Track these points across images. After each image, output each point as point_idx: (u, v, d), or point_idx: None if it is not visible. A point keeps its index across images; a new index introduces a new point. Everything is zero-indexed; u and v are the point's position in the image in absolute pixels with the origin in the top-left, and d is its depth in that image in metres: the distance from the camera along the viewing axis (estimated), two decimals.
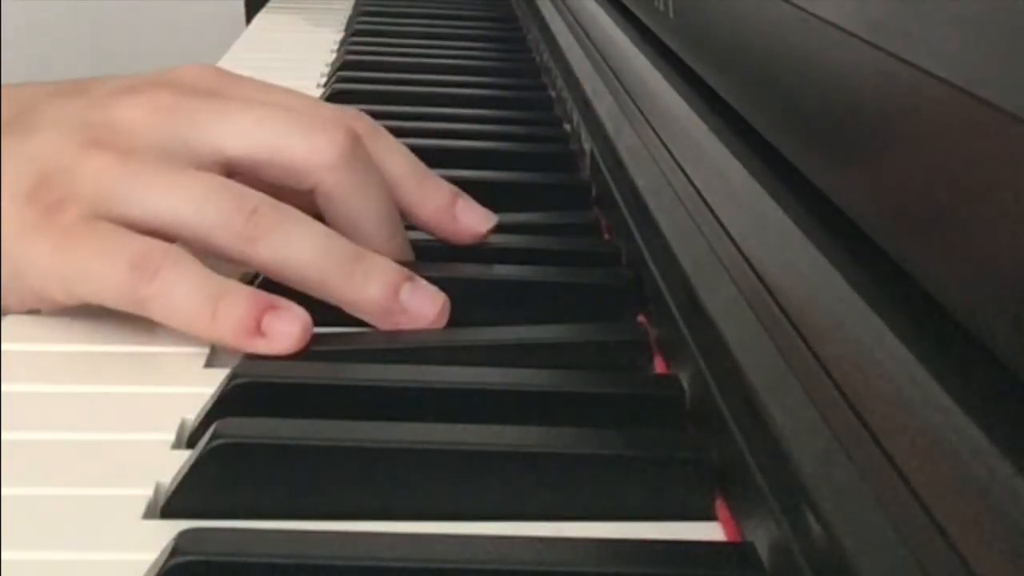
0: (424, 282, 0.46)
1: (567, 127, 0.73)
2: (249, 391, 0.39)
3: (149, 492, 0.35)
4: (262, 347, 0.43)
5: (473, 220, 0.52)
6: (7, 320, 0.46)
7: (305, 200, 0.48)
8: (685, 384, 0.41)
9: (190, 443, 0.38)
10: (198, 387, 0.41)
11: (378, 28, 1.02)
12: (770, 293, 0.36)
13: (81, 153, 0.45)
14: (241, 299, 0.43)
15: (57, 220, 0.44)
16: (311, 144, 0.48)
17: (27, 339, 0.45)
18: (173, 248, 0.44)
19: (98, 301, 0.44)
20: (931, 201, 0.28)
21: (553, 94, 0.81)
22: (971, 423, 0.25)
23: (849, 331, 0.31)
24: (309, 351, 0.43)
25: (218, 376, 0.41)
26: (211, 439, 0.35)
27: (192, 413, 0.40)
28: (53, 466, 0.37)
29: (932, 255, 0.28)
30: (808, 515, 0.29)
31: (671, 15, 0.56)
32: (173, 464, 0.36)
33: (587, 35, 0.78)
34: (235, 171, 0.48)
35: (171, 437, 0.39)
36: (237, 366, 0.41)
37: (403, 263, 0.47)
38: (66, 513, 0.34)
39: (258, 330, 0.43)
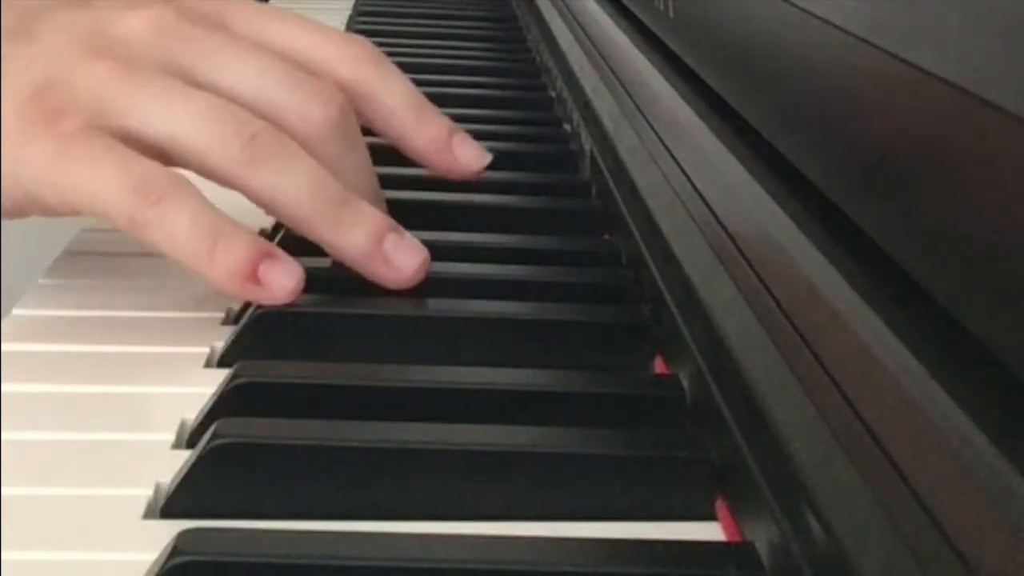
0: (408, 235, 0.46)
1: (567, 127, 0.73)
2: (249, 391, 0.39)
3: (149, 492, 0.35)
4: (254, 294, 0.43)
5: (468, 155, 0.52)
6: (7, 320, 0.46)
7: None
8: (685, 384, 0.41)
9: (190, 443, 0.38)
10: (198, 387, 0.41)
11: (378, 28, 1.02)
12: (770, 293, 0.36)
13: (83, 62, 0.45)
14: (242, 241, 0.43)
15: (57, 127, 0.44)
16: (303, 112, 0.47)
17: (27, 339, 0.45)
18: (180, 176, 0.43)
19: (91, 213, 0.44)
20: (931, 201, 0.28)
21: (553, 94, 0.81)
22: (971, 423, 0.25)
23: (849, 331, 0.31)
24: (305, 310, 0.43)
25: (218, 376, 0.41)
26: (211, 439, 0.35)
27: (192, 413, 0.40)
28: (53, 466, 0.37)
29: (932, 255, 0.28)
30: (808, 515, 0.29)
31: (671, 15, 0.56)
32: (173, 464, 0.36)
33: (587, 35, 0.78)
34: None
35: (171, 437, 0.39)
36: (237, 366, 0.41)
37: None
38: (66, 513, 0.34)
39: (254, 276, 0.43)
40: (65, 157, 0.43)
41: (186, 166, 0.45)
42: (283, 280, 0.43)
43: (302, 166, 0.45)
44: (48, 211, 0.45)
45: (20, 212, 0.46)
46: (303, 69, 0.49)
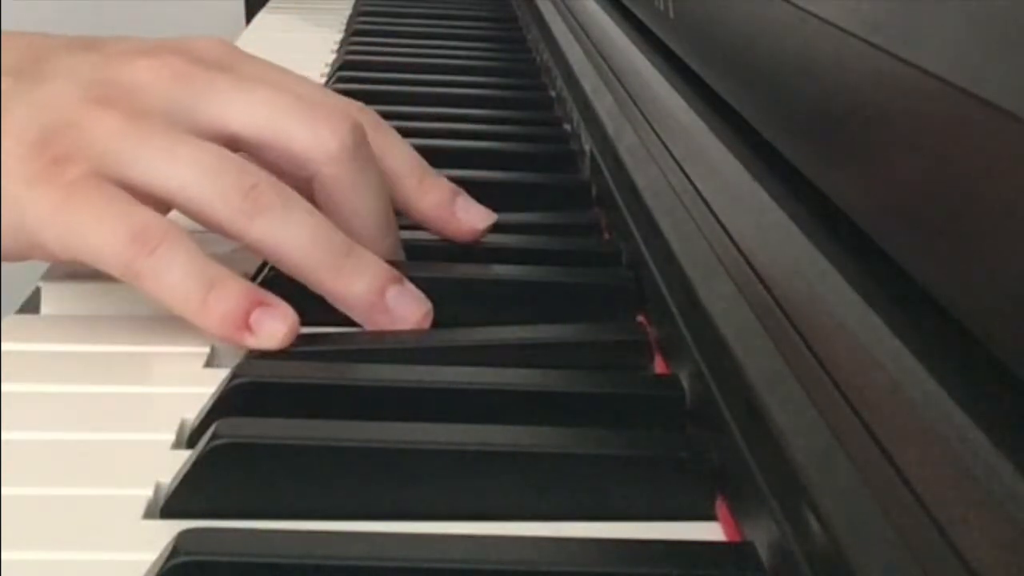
0: (411, 286, 0.46)
1: (567, 127, 0.73)
2: (249, 391, 0.39)
3: (149, 492, 0.35)
4: (248, 341, 0.43)
5: (472, 217, 0.52)
6: (7, 320, 0.46)
7: (304, 189, 0.48)
8: (685, 384, 0.41)
9: (190, 443, 0.38)
10: (198, 387, 0.41)
11: (378, 28, 1.02)
12: (770, 293, 0.36)
13: (90, 109, 0.45)
14: (233, 291, 0.43)
15: (61, 174, 0.44)
16: (315, 133, 0.47)
17: (27, 339, 0.45)
18: (175, 226, 0.44)
19: (91, 262, 0.44)
20: (931, 201, 0.28)
21: (553, 94, 0.81)
22: (971, 423, 0.25)
23: (849, 331, 0.31)
24: (300, 350, 0.43)
25: (218, 376, 0.41)
26: (211, 439, 0.35)
27: (192, 413, 0.40)
28: (53, 466, 0.37)
29: (932, 255, 0.28)
30: (808, 515, 0.29)
31: (671, 15, 0.56)
32: (173, 464, 0.36)
33: (587, 35, 0.78)
34: (237, 148, 0.47)
35: (171, 437, 0.39)
36: (237, 366, 0.41)
37: (393, 263, 0.47)
38: (66, 513, 0.34)
39: (246, 324, 0.43)
40: (67, 204, 0.44)
41: (189, 216, 0.46)
42: (275, 326, 0.43)
43: (303, 215, 0.45)
44: (49, 256, 0.46)
45: (23, 256, 0.46)
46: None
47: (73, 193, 0.44)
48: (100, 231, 0.43)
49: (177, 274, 0.43)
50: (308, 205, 0.46)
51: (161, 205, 0.45)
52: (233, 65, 0.50)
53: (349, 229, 0.47)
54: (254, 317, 0.43)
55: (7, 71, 0.47)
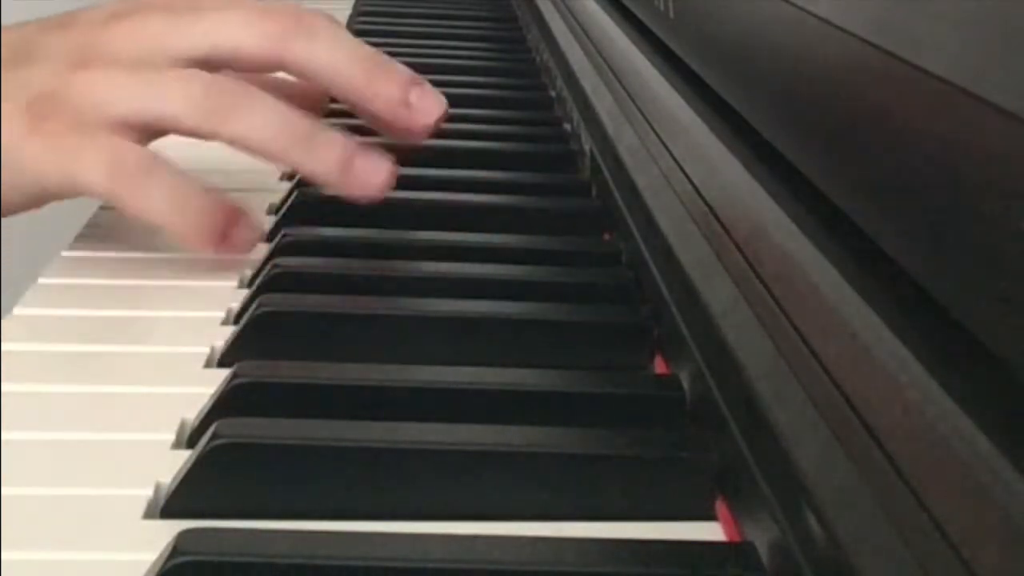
0: (373, 152, 0.52)
1: (567, 127, 0.73)
2: (249, 391, 0.39)
3: (149, 492, 0.35)
4: (224, 249, 0.50)
5: (426, 110, 0.54)
6: (7, 320, 0.46)
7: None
8: (685, 384, 0.41)
9: (190, 443, 0.38)
10: (198, 387, 0.41)
11: (378, 28, 1.02)
12: (770, 293, 0.36)
13: (67, 75, 0.51)
14: (210, 205, 0.50)
15: (50, 124, 0.50)
16: (259, 31, 0.52)
17: (27, 339, 0.45)
18: (148, 151, 0.50)
19: (86, 194, 0.50)
20: (931, 201, 0.28)
21: (553, 94, 0.81)
22: (971, 423, 0.25)
23: (849, 331, 0.31)
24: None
25: (218, 376, 0.41)
26: (211, 439, 0.35)
27: (192, 413, 0.40)
28: (53, 466, 0.37)
29: (932, 254, 0.28)
30: (808, 515, 0.29)
31: (671, 15, 0.56)
32: (173, 464, 0.36)
33: (587, 35, 0.78)
34: (214, 70, 0.52)
35: (171, 437, 0.39)
36: (237, 366, 0.41)
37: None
38: (66, 513, 0.34)
39: (223, 237, 0.50)
40: (57, 146, 0.50)
41: (173, 131, 0.51)
42: (247, 233, 0.51)
43: (267, 106, 0.51)
44: (56, 196, 0.51)
45: (40, 203, 0.52)
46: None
47: (60, 139, 0.50)
48: (83, 165, 0.49)
49: (156, 193, 0.49)
50: (269, 98, 0.51)
51: (148, 133, 0.51)
52: (193, 3, 0.55)
53: (338, 84, 0.53)
54: (231, 235, 0.50)
55: (6, 61, 0.52)
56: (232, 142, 0.51)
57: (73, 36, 0.53)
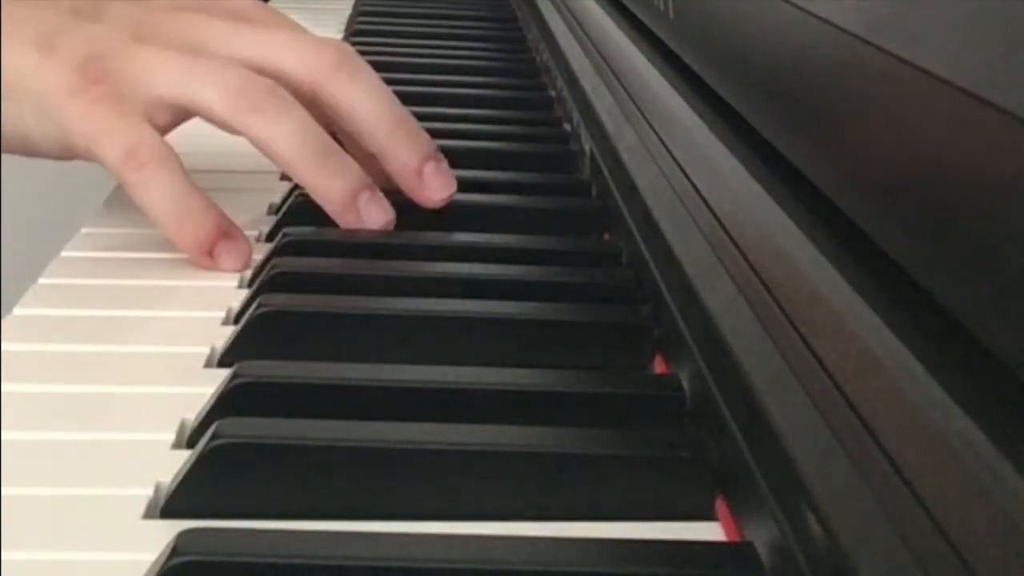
0: (380, 195, 0.54)
1: (567, 127, 0.73)
2: (249, 391, 0.39)
3: (149, 492, 0.35)
4: (207, 265, 0.52)
5: (432, 188, 0.56)
6: (7, 320, 0.46)
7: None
8: (685, 384, 0.41)
9: (190, 443, 0.38)
10: (198, 387, 0.41)
11: (378, 28, 1.02)
12: (770, 293, 0.36)
13: (127, 44, 0.54)
14: (206, 220, 0.52)
15: (94, 89, 0.53)
16: (304, 58, 0.55)
17: (27, 339, 0.45)
18: (166, 150, 0.52)
19: (99, 163, 0.52)
20: (931, 201, 0.28)
21: (553, 94, 0.81)
22: (971, 423, 0.25)
23: (849, 331, 0.31)
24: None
25: (218, 376, 0.41)
26: (211, 439, 0.35)
27: (192, 413, 0.40)
28: (53, 466, 0.37)
29: (932, 255, 0.28)
30: (808, 515, 0.29)
31: (671, 15, 0.56)
32: (173, 464, 0.36)
33: (587, 35, 0.78)
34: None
35: (171, 437, 0.39)
36: (237, 366, 0.41)
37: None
38: (66, 513, 0.34)
39: (211, 251, 0.52)
40: (90, 114, 0.52)
41: (203, 118, 0.54)
42: (232, 260, 0.52)
43: (294, 117, 0.53)
44: (79, 156, 0.54)
45: (62, 154, 0.54)
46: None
47: (98, 105, 0.52)
48: (105, 141, 0.52)
49: (158, 193, 0.51)
50: (303, 111, 0.53)
51: (181, 113, 0.54)
52: (252, 18, 0.59)
53: (363, 132, 0.55)
54: (218, 247, 0.52)
55: (68, 9, 0.56)
56: (254, 140, 0.53)
57: (140, 11, 0.57)
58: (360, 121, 0.55)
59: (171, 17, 0.57)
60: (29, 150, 0.55)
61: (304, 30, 0.60)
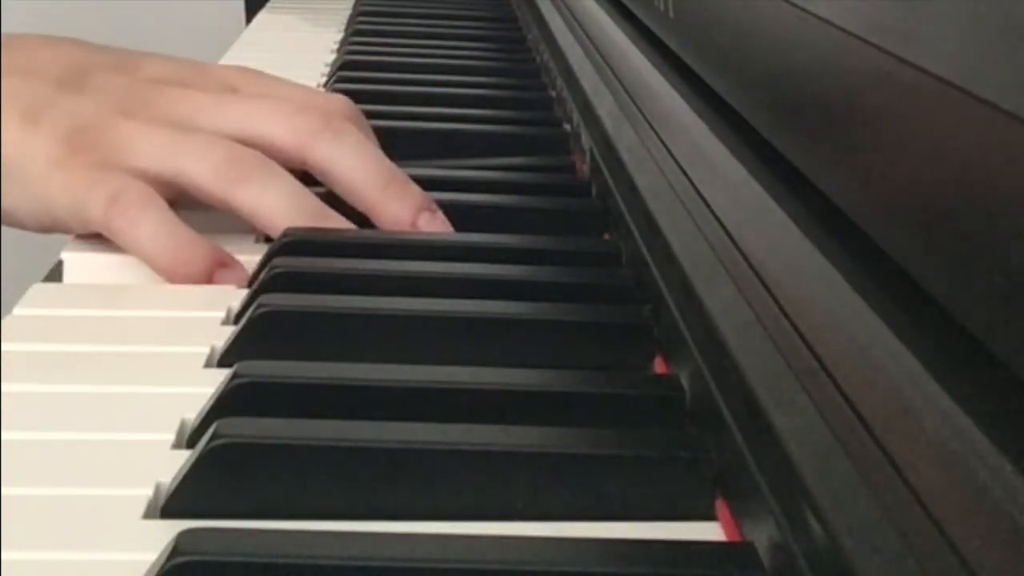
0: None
1: (567, 127, 0.73)
2: (249, 391, 0.39)
3: (149, 492, 0.35)
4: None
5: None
6: (7, 320, 0.46)
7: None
8: (685, 384, 0.41)
9: (190, 443, 0.38)
10: (198, 387, 0.41)
11: (378, 28, 1.02)
12: (770, 293, 0.36)
13: (112, 117, 0.54)
14: (198, 254, 0.51)
15: (79, 160, 0.53)
16: (290, 127, 0.55)
17: (27, 339, 0.45)
18: (147, 190, 0.52)
19: (91, 229, 0.52)
20: (931, 201, 0.28)
21: (553, 94, 0.81)
22: (971, 423, 0.25)
23: (849, 331, 0.31)
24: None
25: (218, 376, 0.41)
26: (211, 439, 0.35)
27: (192, 413, 0.40)
28: (53, 466, 0.37)
29: (932, 255, 0.28)
30: (808, 515, 0.29)
31: (671, 15, 0.56)
32: (173, 464, 0.36)
33: (587, 35, 0.78)
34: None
35: (171, 437, 0.39)
36: (237, 366, 0.41)
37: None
38: (66, 513, 0.34)
39: (209, 282, 0.51)
40: (76, 179, 0.52)
41: (191, 193, 0.54)
42: (230, 283, 0.51)
43: (282, 183, 0.53)
44: (68, 229, 0.53)
45: (49, 228, 0.54)
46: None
47: (83, 173, 0.52)
48: (89, 197, 0.52)
49: (146, 232, 0.51)
50: (288, 175, 0.54)
51: (170, 189, 0.53)
52: (238, 85, 0.59)
53: (353, 191, 0.55)
54: (216, 277, 0.51)
55: (54, 81, 0.56)
56: (243, 211, 0.53)
57: (126, 83, 0.57)
58: (348, 180, 0.55)
59: (156, 90, 0.57)
60: (12, 222, 0.55)
61: (291, 89, 0.60)
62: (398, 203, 0.55)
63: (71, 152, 0.53)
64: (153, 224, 0.51)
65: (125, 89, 0.57)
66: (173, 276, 0.51)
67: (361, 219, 0.55)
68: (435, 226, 0.55)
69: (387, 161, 0.56)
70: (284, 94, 0.59)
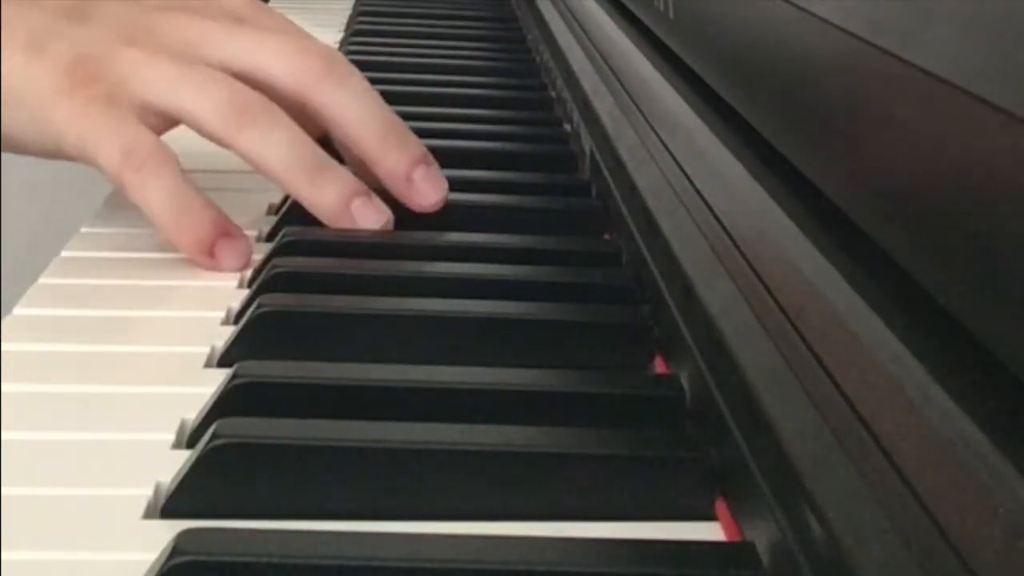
0: (376, 198, 0.54)
1: (567, 127, 0.73)
2: (249, 391, 0.39)
3: (149, 492, 0.35)
4: (208, 265, 0.52)
5: (422, 192, 0.56)
6: (7, 320, 0.46)
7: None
8: (685, 384, 0.41)
9: (190, 443, 0.38)
10: (198, 387, 0.41)
11: (378, 28, 1.02)
12: (770, 293, 0.36)
13: (117, 46, 0.54)
14: (204, 219, 0.52)
15: (84, 91, 0.53)
16: (292, 67, 0.55)
17: (27, 339, 0.45)
18: (163, 149, 0.52)
19: (94, 166, 0.52)
20: (931, 201, 0.28)
21: (553, 94, 0.81)
22: (971, 423, 0.25)
23: (849, 331, 0.31)
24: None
25: (218, 376, 0.41)
26: (211, 439, 0.35)
27: (192, 413, 0.40)
28: (53, 466, 0.37)
29: (932, 255, 0.28)
30: (808, 515, 0.29)
31: (671, 15, 0.56)
32: (173, 464, 0.36)
33: (587, 35, 0.78)
34: (248, 84, 0.54)
35: (171, 437, 0.39)
36: (237, 366, 0.41)
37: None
38: (66, 513, 0.34)
39: (210, 250, 0.52)
40: (82, 116, 0.52)
41: (192, 128, 0.54)
42: (232, 259, 0.52)
43: (283, 131, 0.53)
44: (69, 157, 0.53)
45: (51, 155, 0.54)
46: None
47: (89, 107, 0.52)
48: (101, 142, 0.52)
49: (156, 193, 0.51)
50: (292, 123, 0.53)
51: (169, 120, 0.54)
52: (247, 18, 0.59)
53: (352, 138, 0.55)
54: (218, 246, 0.52)
55: (57, 9, 0.55)
56: (243, 154, 0.53)
57: (129, 10, 0.56)
58: (348, 128, 0.55)
59: (162, 18, 0.56)
60: (15, 148, 0.55)
61: (297, 30, 0.60)
62: (396, 154, 0.55)
63: (76, 82, 0.53)
64: (165, 185, 0.51)
65: (130, 17, 0.56)
66: (176, 239, 0.51)
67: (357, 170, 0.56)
68: (429, 182, 0.55)
69: (388, 110, 0.56)
70: (291, 32, 0.59)
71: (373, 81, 0.81)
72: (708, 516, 0.36)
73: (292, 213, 0.56)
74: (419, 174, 0.55)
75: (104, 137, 0.52)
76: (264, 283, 0.48)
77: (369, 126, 0.55)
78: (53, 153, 0.54)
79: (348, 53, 0.90)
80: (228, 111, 0.53)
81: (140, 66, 0.53)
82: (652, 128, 0.55)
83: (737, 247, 0.40)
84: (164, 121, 0.53)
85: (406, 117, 0.71)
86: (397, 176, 0.55)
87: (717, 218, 0.43)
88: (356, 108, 0.55)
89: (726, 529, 0.35)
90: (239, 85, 0.54)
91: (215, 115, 0.53)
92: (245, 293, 0.49)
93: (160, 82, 0.53)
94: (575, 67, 0.76)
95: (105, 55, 0.54)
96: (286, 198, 0.58)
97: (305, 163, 0.53)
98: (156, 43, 0.55)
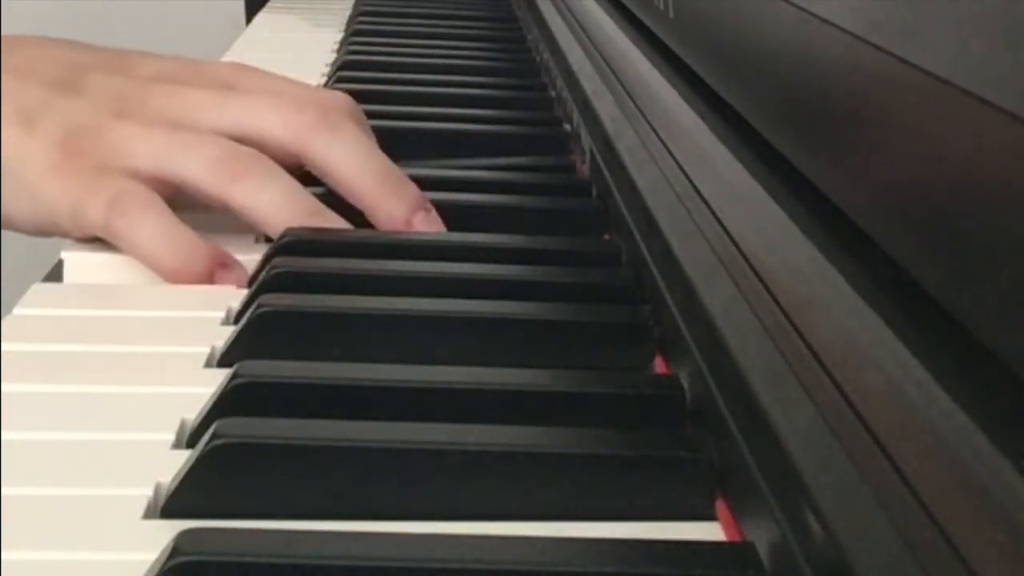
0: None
1: (567, 127, 0.73)
2: (249, 391, 0.39)
3: (149, 492, 0.35)
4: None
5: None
6: (7, 320, 0.46)
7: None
8: (685, 384, 0.41)
9: (190, 443, 0.38)
10: (198, 387, 0.41)
11: (378, 28, 1.02)
12: (770, 293, 0.36)
13: (108, 119, 0.54)
14: (198, 257, 0.51)
15: (74, 163, 0.52)
16: (285, 123, 0.55)
17: (27, 339, 0.45)
18: (146, 192, 0.52)
19: (91, 233, 0.52)
20: (931, 201, 0.28)
21: (553, 94, 0.81)
22: (971, 423, 0.25)
23: (849, 331, 0.31)
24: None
25: (218, 376, 0.41)
26: (211, 439, 0.35)
27: (192, 413, 0.40)
28: (53, 466, 0.37)
29: (932, 255, 0.28)
30: (808, 515, 0.29)
31: (671, 15, 0.56)
32: (173, 464, 0.36)
33: (587, 35, 0.78)
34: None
35: (171, 437, 0.39)
36: (237, 366, 0.41)
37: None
38: (66, 513, 0.34)
39: (210, 282, 0.51)
40: (76, 184, 0.52)
41: (190, 193, 0.53)
42: (231, 283, 0.51)
43: (277, 182, 0.53)
44: (64, 232, 0.53)
45: (47, 232, 0.54)
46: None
47: (80, 177, 0.52)
48: (89, 201, 0.51)
49: (147, 234, 0.51)
50: (284, 173, 0.53)
51: (168, 189, 0.53)
52: (235, 83, 0.59)
53: (348, 188, 0.55)
54: (217, 277, 0.51)
55: (50, 83, 0.56)
56: (239, 210, 0.53)
57: (120, 83, 0.57)
58: (344, 179, 0.55)
59: (152, 89, 0.57)
60: (10, 225, 0.55)
61: (287, 84, 0.60)
62: (394, 201, 0.55)
63: (68, 156, 0.53)
64: (153, 225, 0.51)
65: (121, 89, 0.56)
66: (174, 277, 0.51)
67: (359, 219, 0.55)
68: (430, 226, 0.55)
69: (384, 158, 0.56)
70: (281, 90, 0.59)
71: (373, 81, 0.81)
72: (708, 516, 0.36)
73: None
74: (418, 220, 0.55)
75: (91, 195, 0.51)
76: (264, 283, 0.48)
77: (366, 173, 0.55)
78: (48, 229, 0.54)
79: (348, 53, 0.91)
80: (220, 167, 0.53)
81: (131, 137, 0.53)
82: (652, 128, 0.55)
83: (737, 247, 0.40)
84: (158, 187, 0.53)
85: (406, 117, 0.71)
86: (395, 222, 0.55)
87: (717, 218, 0.43)
88: (352, 156, 0.55)
89: (726, 529, 0.35)
90: (229, 142, 0.54)
91: (208, 172, 0.53)
92: (245, 293, 0.49)
93: (151, 150, 0.53)
94: (575, 67, 0.76)
95: (97, 128, 0.54)
96: None
97: (302, 212, 0.53)
98: (147, 115, 0.55)
